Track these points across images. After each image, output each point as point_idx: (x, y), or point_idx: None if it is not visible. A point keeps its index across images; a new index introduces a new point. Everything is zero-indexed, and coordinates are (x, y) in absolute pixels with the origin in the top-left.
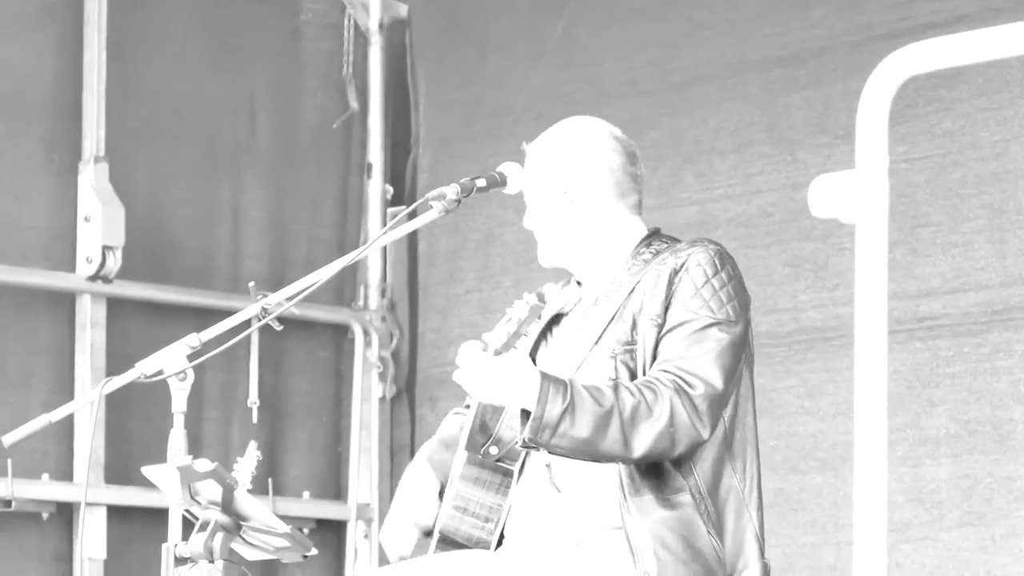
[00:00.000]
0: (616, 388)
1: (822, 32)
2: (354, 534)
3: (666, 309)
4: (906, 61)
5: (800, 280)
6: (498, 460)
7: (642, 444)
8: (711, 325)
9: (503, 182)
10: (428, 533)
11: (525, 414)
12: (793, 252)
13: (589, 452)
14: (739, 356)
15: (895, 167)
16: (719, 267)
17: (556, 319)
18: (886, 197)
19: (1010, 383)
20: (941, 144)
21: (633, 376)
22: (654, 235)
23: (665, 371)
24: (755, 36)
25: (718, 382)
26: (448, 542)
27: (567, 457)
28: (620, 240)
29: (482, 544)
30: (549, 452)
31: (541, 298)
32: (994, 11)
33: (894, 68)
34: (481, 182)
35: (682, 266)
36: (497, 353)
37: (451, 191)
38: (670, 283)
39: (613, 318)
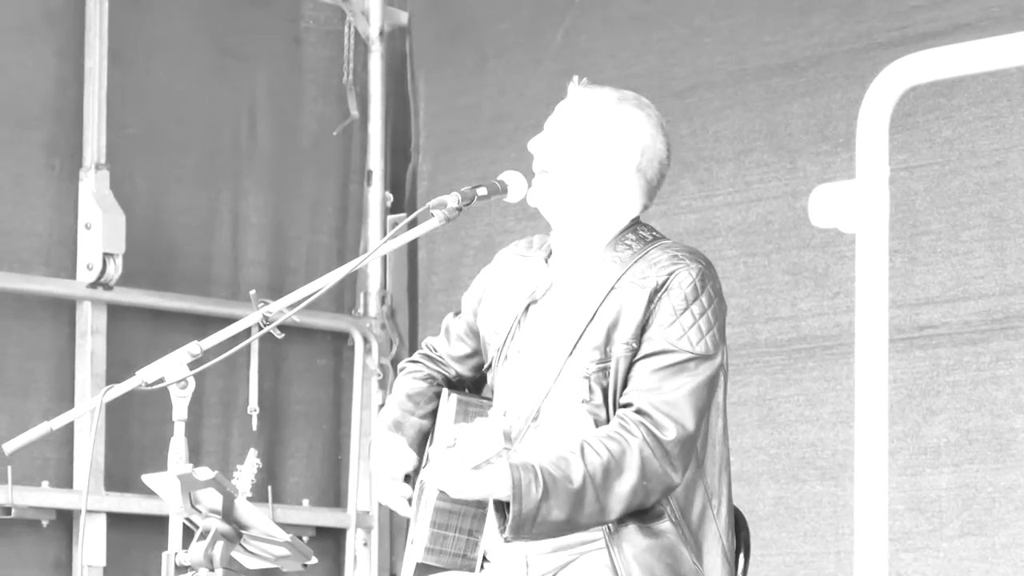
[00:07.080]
0: (583, 452)
1: (822, 40)
2: (353, 542)
3: (642, 331)
4: (906, 71)
5: (800, 288)
6: None
7: (618, 505)
8: (688, 360)
9: (504, 190)
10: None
11: (498, 507)
12: (793, 260)
13: (570, 529)
14: (712, 393)
15: (894, 175)
16: (700, 291)
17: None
18: (887, 207)
19: (1010, 392)
20: (941, 152)
21: (606, 395)
22: (636, 224)
23: (635, 410)
24: (755, 44)
25: (690, 423)
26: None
27: (550, 538)
28: (614, 223)
29: (466, 566)
30: (532, 540)
31: (508, 437)
32: (994, 20)
33: (894, 78)
34: (482, 191)
35: (663, 286)
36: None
37: (452, 200)
38: (649, 302)
39: (587, 326)
